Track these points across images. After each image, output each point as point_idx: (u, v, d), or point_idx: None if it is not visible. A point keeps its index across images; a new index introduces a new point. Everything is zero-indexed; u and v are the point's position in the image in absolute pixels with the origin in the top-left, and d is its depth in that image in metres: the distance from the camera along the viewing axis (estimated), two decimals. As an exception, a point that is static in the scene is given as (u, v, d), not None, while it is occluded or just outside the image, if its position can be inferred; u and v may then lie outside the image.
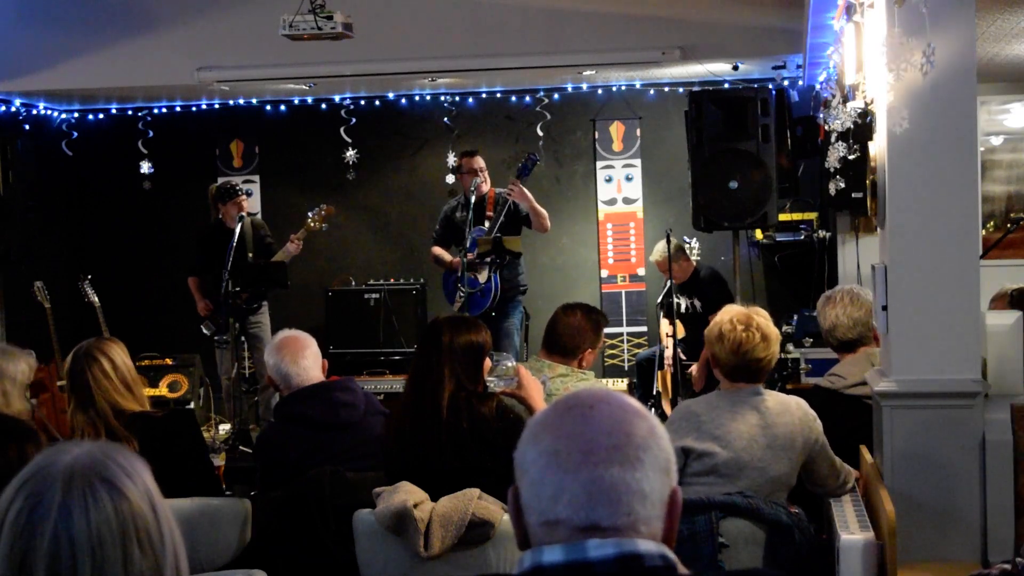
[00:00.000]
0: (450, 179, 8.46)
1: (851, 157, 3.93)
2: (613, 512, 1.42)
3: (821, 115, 5.24)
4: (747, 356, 3.52)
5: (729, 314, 3.62)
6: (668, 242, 6.76)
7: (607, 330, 8.32)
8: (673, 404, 6.22)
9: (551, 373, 4.19)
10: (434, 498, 3.26)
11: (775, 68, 7.30)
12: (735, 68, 7.22)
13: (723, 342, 3.56)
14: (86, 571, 1.37)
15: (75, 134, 8.74)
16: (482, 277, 6.88)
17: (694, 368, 6.63)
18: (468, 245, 6.82)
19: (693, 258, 7.29)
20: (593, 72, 7.70)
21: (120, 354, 3.88)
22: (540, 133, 8.38)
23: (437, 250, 7.25)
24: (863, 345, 4.28)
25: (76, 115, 8.76)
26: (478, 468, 3.34)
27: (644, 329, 8.38)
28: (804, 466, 3.55)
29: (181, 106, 8.60)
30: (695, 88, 6.63)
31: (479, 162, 7.09)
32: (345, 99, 8.48)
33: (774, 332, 3.58)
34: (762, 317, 3.59)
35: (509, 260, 6.85)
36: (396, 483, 3.33)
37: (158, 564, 1.43)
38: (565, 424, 1.46)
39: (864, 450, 3.76)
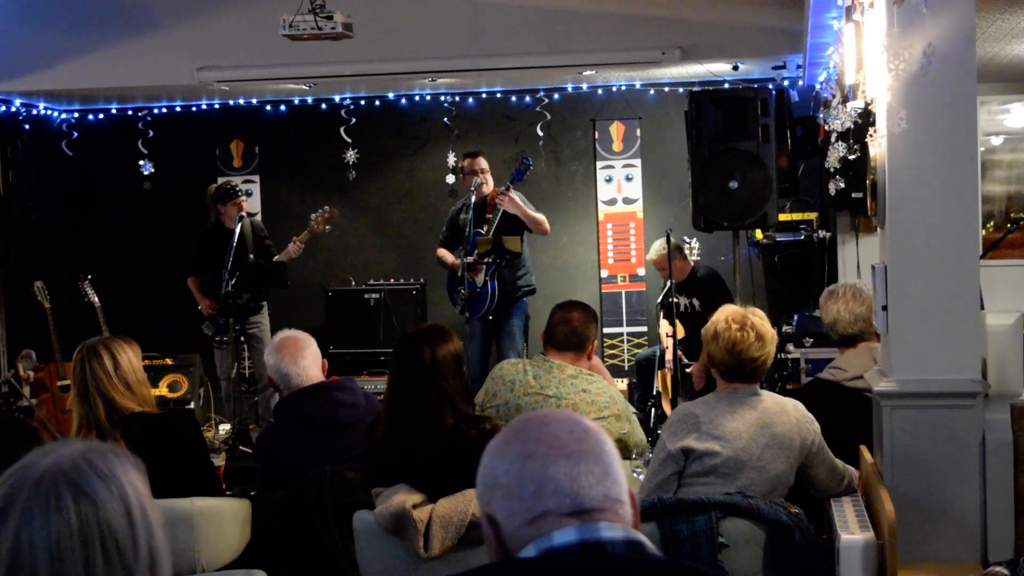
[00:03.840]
0: (450, 179, 8.46)
1: (851, 157, 3.93)
2: (594, 494, 1.50)
3: (821, 115, 5.24)
4: (742, 356, 3.53)
5: (725, 314, 3.63)
6: (668, 241, 6.77)
7: (607, 330, 8.45)
8: (673, 404, 6.22)
9: (560, 374, 4.17)
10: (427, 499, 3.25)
11: (775, 68, 7.31)
12: (735, 68, 7.22)
13: (718, 342, 3.57)
14: None
15: (75, 134, 8.75)
16: (479, 279, 6.87)
17: (694, 367, 6.65)
18: (468, 246, 6.83)
19: (692, 258, 7.29)
20: (593, 72, 7.71)
21: (127, 354, 3.89)
22: (540, 133, 8.38)
23: (441, 252, 7.24)
24: (863, 340, 4.30)
25: (76, 115, 8.76)
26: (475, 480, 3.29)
27: (644, 329, 8.38)
28: (804, 471, 3.56)
29: (181, 106, 8.60)
30: (695, 88, 6.63)
31: (480, 163, 7.08)
32: (345, 99, 8.48)
33: (770, 332, 3.58)
34: (758, 317, 3.60)
35: (509, 261, 6.85)
36: (395, 483, 3.32)
37: (128, 573, 1.40)
38: (528, 432, 1.56)
39: (864, 450, 3.76)
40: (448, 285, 7.25)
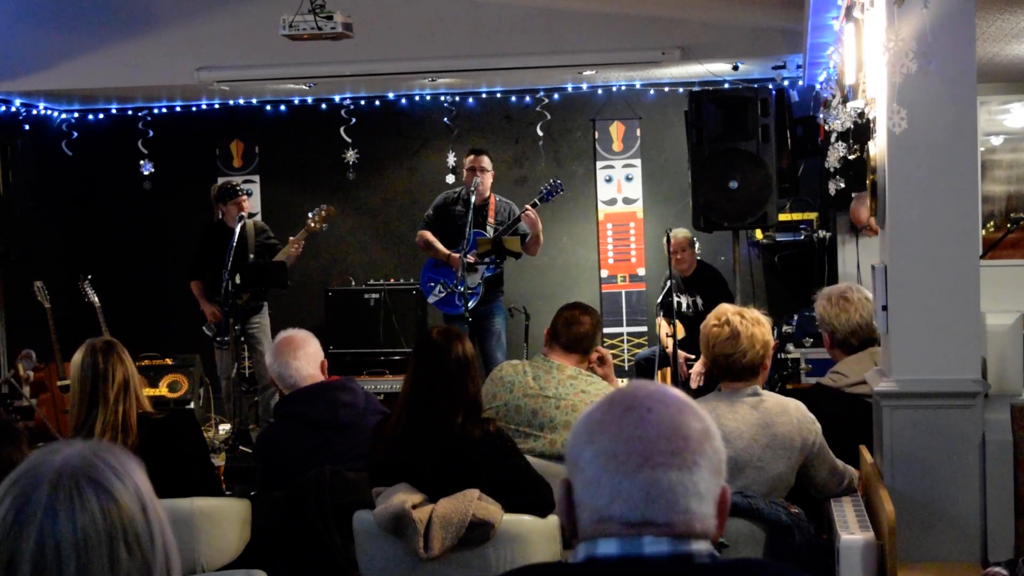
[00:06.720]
0: (450, 179, 8.46)
1: (851, 157, 3.93)
2: (669, 511, 1.45)
3: (821, 115, 5.24)
4: (715, 350, 3.56)
5: (715, 311, 3.65)
6: (668, 242, 6.77)
7: (607, 330, 8.45)
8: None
9: (560, 375, 4.15)
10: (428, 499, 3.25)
11: (775, 68, 7.31)
12: (735, 68, 7.22)
13: (700, 338, 3.64)
14: (71, 573, 1.36)
15: (75, 134, 8.75)
16: (473, 280, 6.84)
17: (696, 366, 6.65)
18: (468, 245, 6.80)
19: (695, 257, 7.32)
20: (593, 72, 7.71)
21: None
22: (540, 133, 8.38)
23: (428, 235, 7.09)
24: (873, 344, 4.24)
25: (76, 115, 8.76)
26: (476, 479, 3.29)
27: (644, 329, 8.38)
28: (804, 471, 3.55)
29: (181, 106, 8.60)
30: (695, 88, 6.64)
31: (482, 162, 7.03)
32: (345, 99, 8.48)
33: (748, 331, 3.53)
34: (740, 315, 3.57)
35: (505, 260, 6.84)
36: (395, 484, 3.32)
37: (147, 566, 1.41)
38: (624, 426, 1.48)
39: (864, 450, 3.76)
40: (424, 272, 7.19)
